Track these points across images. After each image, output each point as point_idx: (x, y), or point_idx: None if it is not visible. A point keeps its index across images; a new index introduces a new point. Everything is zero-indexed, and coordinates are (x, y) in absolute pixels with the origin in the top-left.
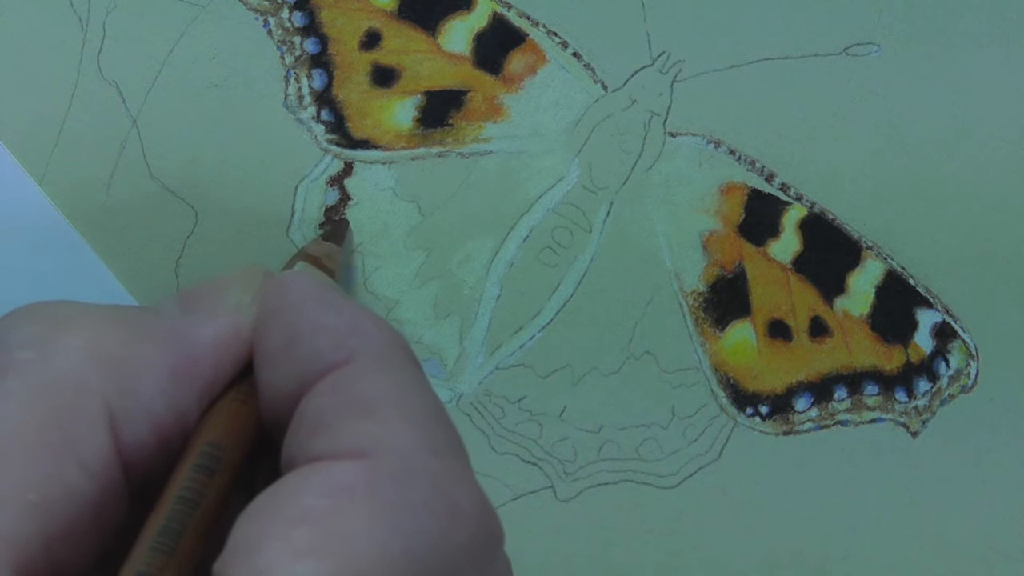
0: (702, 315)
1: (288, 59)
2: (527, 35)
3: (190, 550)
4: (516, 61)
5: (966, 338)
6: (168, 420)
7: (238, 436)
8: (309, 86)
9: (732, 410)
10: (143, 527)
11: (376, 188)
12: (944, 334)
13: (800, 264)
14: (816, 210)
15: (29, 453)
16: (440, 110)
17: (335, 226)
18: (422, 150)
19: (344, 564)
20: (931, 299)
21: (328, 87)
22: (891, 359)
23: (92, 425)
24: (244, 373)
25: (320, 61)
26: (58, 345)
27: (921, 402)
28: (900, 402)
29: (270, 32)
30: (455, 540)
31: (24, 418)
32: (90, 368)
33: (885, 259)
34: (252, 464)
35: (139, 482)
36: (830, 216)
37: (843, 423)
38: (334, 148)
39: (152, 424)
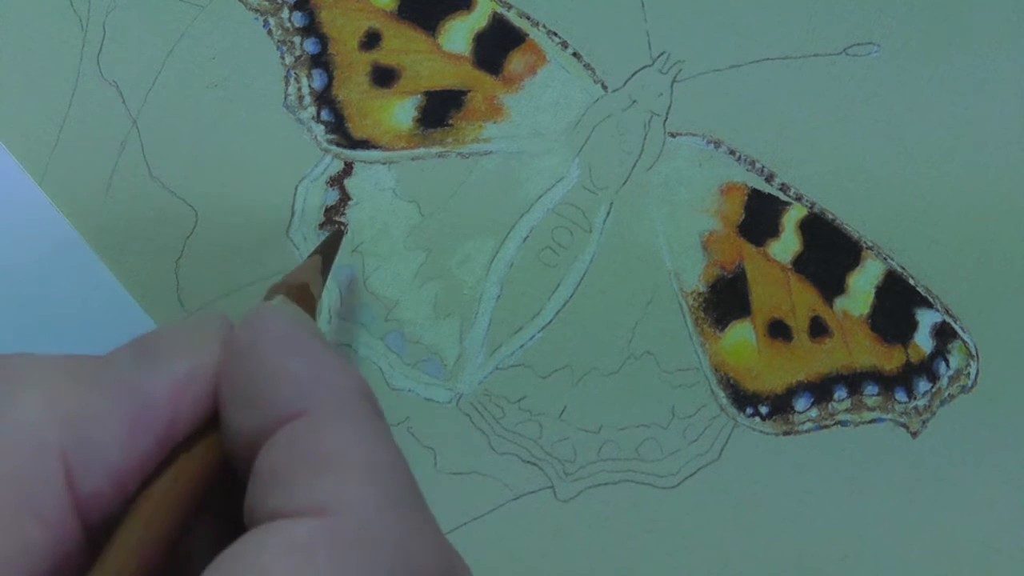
0: (702, 315)
1: (288, 59)
2: (527, 35)
3: None
4: (516, 61)
5: (966, 338)
6: (126, 468)
7: (192, 487)
8: (309, 86)
9: (732, 410)
10: (90, 571)
11: (376, 188)
12: (944, 334)
13: (800, 264)
14: (816, 210)
15: None
16: (440, 110)
17: (330, 237)
18: (422, 150)
19: None
20: (931, 299)
21: (328, 87)
22: (891, 359)
23: (49, 479)
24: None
25: (320, 61)
26: (13, 401)
27: (921, 402)
28: (900, 402)
29: (270, 32)
30: None
31: None
32: (46, 423)
33: (885, 259)
34: (219, 491)
35: (98, 529)
36: (830, 216)
37: (843, 423)
38: (334, 148)
39: (109, 474)
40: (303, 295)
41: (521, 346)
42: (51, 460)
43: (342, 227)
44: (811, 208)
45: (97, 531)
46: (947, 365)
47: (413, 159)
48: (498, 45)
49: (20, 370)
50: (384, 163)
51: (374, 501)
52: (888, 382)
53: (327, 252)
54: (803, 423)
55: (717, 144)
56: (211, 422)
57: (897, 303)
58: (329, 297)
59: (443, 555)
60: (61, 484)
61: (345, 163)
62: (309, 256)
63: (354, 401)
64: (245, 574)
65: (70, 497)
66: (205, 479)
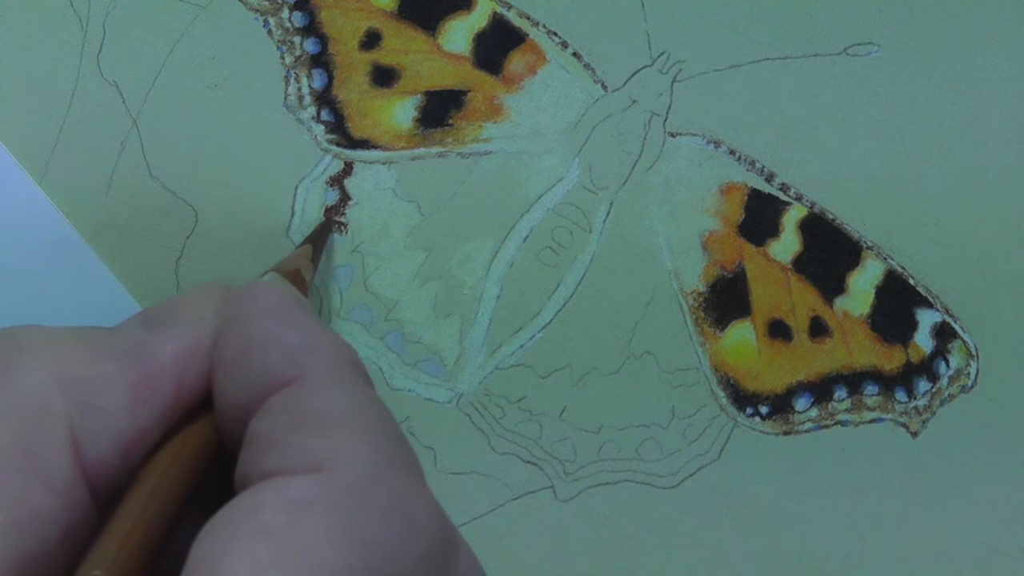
0: (702, 315)
1: (288, 59)
2: (527, 35)
3: (135, 565)
4: (516, 61)
5: (966, 338)
6: (131, 436)
7: (195, 458)
8: (309, 86)
9: (732, 410)
10: (92, 543)
11: (376, 188)
12: (944, 334)
13: (800, 264)
14: (816, 210)
15: None
16: (440, 110)
17: (319, 227)
18: (422, 150)
19: None
20: (931, 299)
21: (328, 87)
22: (891, 359)
23: (56, 446)
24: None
25: (320, 61)
26: (20, 369)
27: (921, 402)
28: (900, 402)
29: (270, 32)
30: (413, 551)
31: None
32: (52, 390)
33: (885, 259)
34: (208, 478)
35: (105, 499)
36: (830, 216)
37: (843, 423)
38: (334, 148)
39: (115, 441)
40: (295, 279)
41: (521, 346)
42: (58, 426)
43: (330, 220)
44: (811, 208)
45: (103, 501)
46: (947, 365)
47: (413, 159)
48: (498, 45)
49: (26, 338)
50: (384, 163)
51: (369, 458)
52: (888, 382)
53: (317, 241)
54: (803, 423)
55: (717, 144)
56: (209, 399)
57: (897, 303)
58: (329, 298)
59: (438, 516)
60: (68, 450)
61: (345, 163)
62: (300, 244)
63: (345, 368)
64: (243, 530)
65: (77, 464)
66: (206, 454)
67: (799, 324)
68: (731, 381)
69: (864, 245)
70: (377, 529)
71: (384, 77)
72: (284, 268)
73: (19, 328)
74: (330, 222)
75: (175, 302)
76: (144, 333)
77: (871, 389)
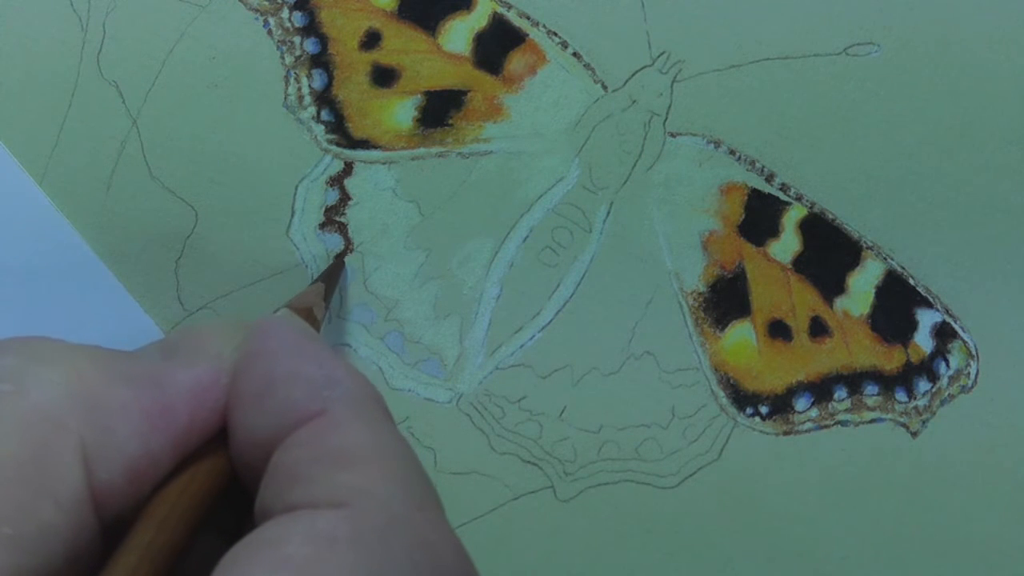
0: (702, 315)
1: (288, 59)
2: (527, 35)
3: None
4: (516, 61)
5: (966, 338)
6: (141, 463)
7: (204, 493)
8: (309, 86)
9: (732, 410)
10: (97, 572)
11: (376, 188)
12: (944, 334)
13: (800, 264)
14: (816, 210)
15: (4, 487)
16: (440, 110)
17: (332, 266)
18: (422, 150)
19: None
20: (931, 299)
21: (328, 87)
22: (891, 359)
23: (67, 463)
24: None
25: (320, 61)
26: (36, 379)
27: (921, 402)
28: (900, 402)
29: (270, 32)
30: None
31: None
32: (67, 404)
33: (885, 259)
34: (221, 507)
35: (111, 524)
36: (830, 216)
37: (843, 423)
38: (334, 148)
39: (125, 465)
40: (307, 317)
41: (521, 346)
42: (70, 443)
43: (344, 254)
44: (811, 208)
45: (108, 525)
46: (947, 365)
47: (413, 159)
48: (498, 45)
49: (44, 351)
50: (384, 163)
51: (395, 495)
52: (888, 382)
53: (330, 279)
54: (803, 423)
55: (717, 144)
56: (222, 433)
57: (897, 303)
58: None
59: (459, 551)
60: (79, 469)
61: (345, 163)
62: (312, 283)
63: (368, 403)
64: (267, 562)
65: (86, 483)
66: (217, 487)
67: (799, 324)
68: (731, 381)
69: (864, 245)
70: (401, 566)
71: (384, 77)
72: (296, 305)
73: (36, 339)
74: (342, 262)
75: (196, 333)
76: (162, 361)
77: (871, 389)
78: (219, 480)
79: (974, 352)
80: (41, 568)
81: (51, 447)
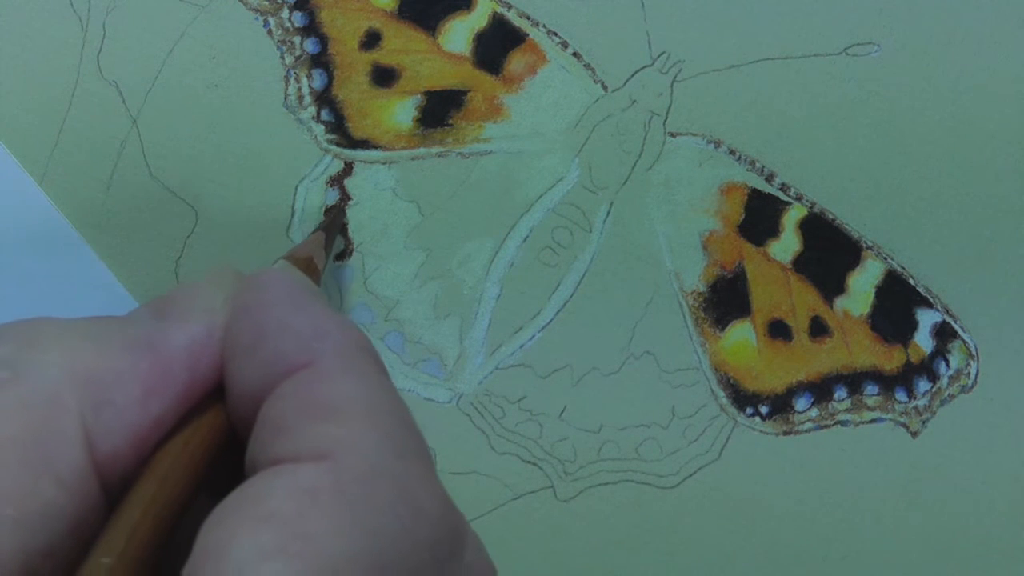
0: (702, 315)
1: (288, 59)
2: (527, 35)
3: (143, 553)
4: (516, 61)
5: (966, 338)
6: (144, 428)
7: (205, 447)
8: (309, 86)
9: (732, 410)
10: (103, 529)
11: (376, 188)
12: (944, 334)
13: (800, 264)
14: (816, 210)
15: (6, 470)
16: (440, 110)
17: (332, 215)
18: (422, 150)
19: (310, 563)
20: (931, 299)
21: (328, 87)
22: (891, 359)
23: (68, 441)
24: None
25: (320, 61)
26: (32, 363)
27: (921, 402)
28: (900, 402)
29: (270, 32)
30: (419, 539)
31: (1, 436)
32: (64, 384)
33: (885, 259)
34: (218, 463)
35: (117, 490)
36: (830, 216)
37: (843, 423)
38: (334, 148)
39: (128, 434)
40: (307, 267)
41: (521, 346)
42: (70, 422)
43: (343, 203)
44: (811, 208)
45: (114, 490)
46: (947, 365)
47: (413, 159)
48: (498, 45)
49: (39, 332)
50: (384, 163)
51: (377, 446)
52: (888, 382)
53: (330, 228)
54: (803, 423)
55: (717, 144)
56: (222, 386)
57: (897, 303)
58: (329, 298)
59: (444, 502)
60: (79, 446)
61: (345, 163)
62: (313, 232)
63: (357, 354)
64: (250, 516)
65: (88, 459)
66: (216, 442)
67: (799, 324)
68: (731, 381)
69: (864, 245)
70: (383, 517)
71: (384, 77)
72: (296, 255)
73: (32, 321)
74: (342, 209)
75: (186, 290)
76: (156, 323)
77: (871, 389)
78: (218, 434)
79: (974, 352)
80: (46, 545)
81: (51, 427)
